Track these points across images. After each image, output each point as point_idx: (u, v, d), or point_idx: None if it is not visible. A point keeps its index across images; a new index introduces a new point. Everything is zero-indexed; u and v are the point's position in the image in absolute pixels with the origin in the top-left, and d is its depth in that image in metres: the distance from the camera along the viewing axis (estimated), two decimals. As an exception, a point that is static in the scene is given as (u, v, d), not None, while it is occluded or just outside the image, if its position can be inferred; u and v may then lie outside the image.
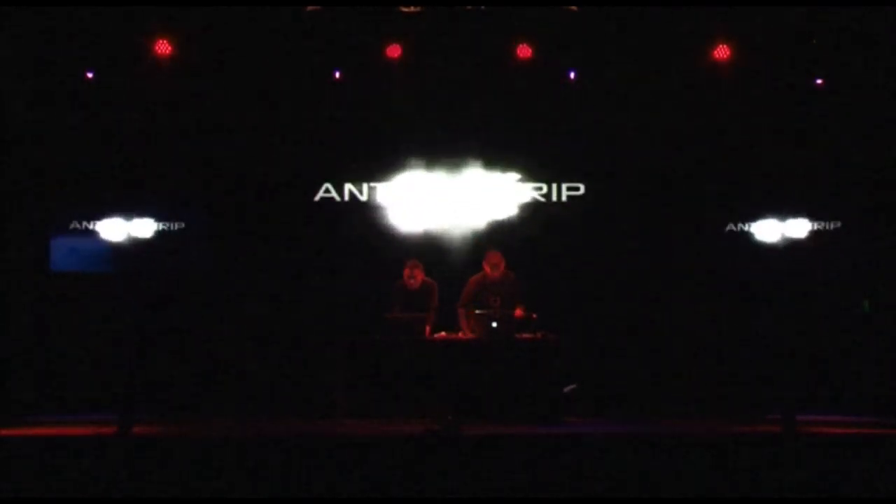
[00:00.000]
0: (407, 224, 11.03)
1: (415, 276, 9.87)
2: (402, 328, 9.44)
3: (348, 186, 11.12)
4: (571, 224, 11.05)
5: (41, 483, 7.00)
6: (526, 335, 9.37)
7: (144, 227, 10.78)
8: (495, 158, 11.07)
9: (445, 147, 11.05)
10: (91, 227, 10.79)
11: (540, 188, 11.15)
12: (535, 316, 9.46)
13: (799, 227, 10.84)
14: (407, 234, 11.00)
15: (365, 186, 11.10)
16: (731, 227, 11.01)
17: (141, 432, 8.11)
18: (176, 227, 10.93)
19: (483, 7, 10.44)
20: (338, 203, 11.09)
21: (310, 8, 10.37)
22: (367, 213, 11.05)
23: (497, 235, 10.86)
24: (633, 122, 10.96)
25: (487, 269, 9.89)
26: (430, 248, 10.84)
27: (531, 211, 11.11)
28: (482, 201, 11.05)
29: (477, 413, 8.87)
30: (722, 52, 10.58)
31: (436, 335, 9.59)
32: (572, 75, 10.90)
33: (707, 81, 10.72)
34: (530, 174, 11.13)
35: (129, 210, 10.76)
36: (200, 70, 10.66)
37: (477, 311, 9.44)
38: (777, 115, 10.88)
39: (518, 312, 9.49)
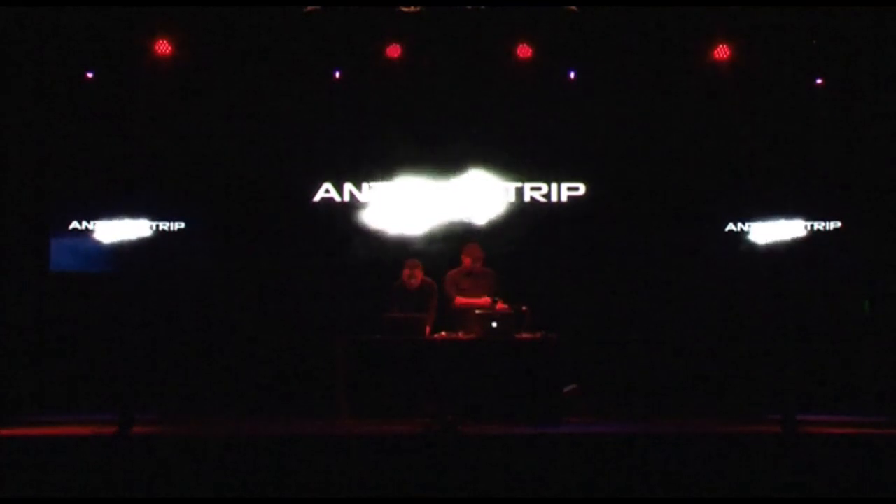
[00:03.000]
0: (407, 224, 11.02)
1: (415, 276, 9.86)
2: (402, 328, 9.43)
3: (348, 186, 11.12)
4: (571, 224, 11.05)
5: (41, 483, 7.00)
6: (526, 335, 9.36)
7: (144, 227, 10.80)
8: (495, 158, 11.07)
9: (445, 147, 11.05)
10: (91, 227, 10.80)
11: (540, 188, 11.16)
12: (525, 308, 9.43)
13: (798, 227, 10.86)
14: (406, 234, 10.99)
15: (365, 186, 11.11)
16: (730, 227, 11.02)
17: (141, 432, 8.10)
18: (176, 227, 10.93)
19: (483, 7, 10.44)
20: (338, 203, 11.09)
21: (309, 8, 10.37)
22: (366, 213, 11.05)
23: (497, 235, 10.86)
24: (632, 122, 10.97)
25: (468, 260, 9.88)
26: (429, 248, 10.84)
27: (531, 211, 11.11)
28: (482, 201, 11.06)
29: (477, 413, 8.85)
30: (722, 52, 10.59)
31: (436, 335, 9.58)
32: (572, 75, 10.91)
33: (707, 81, 10.72)
34: (530, 174, 11.14)
35: (129, 210, 10.78)
36: (200, 70, 10.67)
37: (477, 311, 9.43)
38: (777, 115, 10.88)
39: (500, 306, 9.47)
